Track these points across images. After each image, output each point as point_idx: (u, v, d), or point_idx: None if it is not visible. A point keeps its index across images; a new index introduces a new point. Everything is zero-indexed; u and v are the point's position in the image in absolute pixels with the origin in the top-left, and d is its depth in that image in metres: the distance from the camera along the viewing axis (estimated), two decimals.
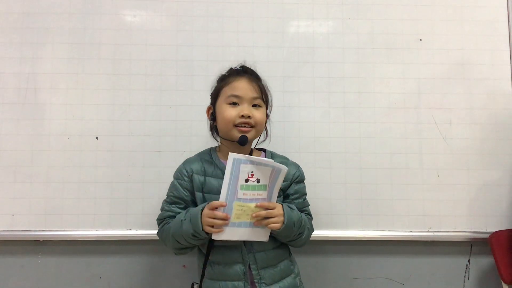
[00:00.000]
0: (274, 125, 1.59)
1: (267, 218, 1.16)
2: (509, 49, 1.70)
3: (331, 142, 1.65)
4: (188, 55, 1.65)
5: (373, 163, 1.64)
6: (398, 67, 1.68)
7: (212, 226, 1.14)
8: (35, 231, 1.57)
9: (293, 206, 1.26)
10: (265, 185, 1.16)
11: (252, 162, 1.16)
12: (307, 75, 1.67)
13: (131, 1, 1.66)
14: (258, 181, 1.16)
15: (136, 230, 1.58)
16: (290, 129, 1.64)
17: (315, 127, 1.65)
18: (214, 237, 1.16)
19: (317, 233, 1.57)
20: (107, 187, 1.59)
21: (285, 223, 1.16)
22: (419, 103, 1.67)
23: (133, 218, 1.59)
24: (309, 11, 1.69)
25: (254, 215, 1.15)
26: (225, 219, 1.13)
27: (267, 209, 1.15)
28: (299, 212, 1.26)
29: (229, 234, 1.16)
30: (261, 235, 1.19)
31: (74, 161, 1.59)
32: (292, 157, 1.38)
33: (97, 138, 1.61)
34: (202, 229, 1.14)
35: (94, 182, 1.59)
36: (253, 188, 1.16)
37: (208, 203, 1.17)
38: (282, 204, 1.20)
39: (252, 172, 1.16)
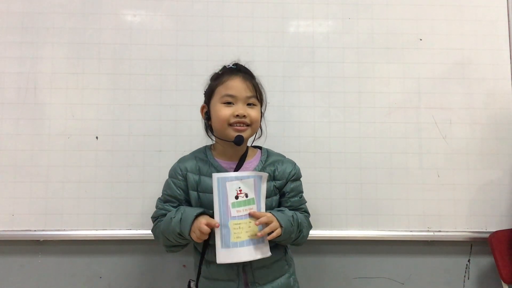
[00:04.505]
0: (274, 125, 1.60)
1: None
2: (509, 49, 1.70)
3: (331, 142, 1.65)
4: (188, 55, 1.65)
5: (373, 163, 1.64)
6: (398, 67, 1.68)
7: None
8: (35, 231, 1.57)
9: (282, 208, 1.25)
10: (253, 199, 1.17)
11: (236, 178, 1.16)
12: (307, 75, 1.67)
13: (131, 1, 1.66)
14: (246, 195, 1.16)
15: (136, 230, 1.58)
16: (290, 129, 1.64)
17: (315, 127, 1.65)
18: (219, 261, 1.13)
19: (317, 233, 1.58)
20: (107, 187, 1.59)
21: (283, 226, 1.16)
22: (419, 103, 1.67)
23: (133, 218, 1.59)
24: (309, 11, 1.69)
25: (259, 234, 1.13)
26: (206, 233, 1.13)
27: (259, 219, 1.14)
28: (291, 212, 1.25)
29: (233, 256, 1.13)
30: (264, 251, 1.16)
31: (74, 161, 1.59)
32: (292, 157, 1.38)
33: (97, 138, 1.61)
34: (189, 234, 1.15)
35: (94, 182, 1.59)
36: (244, 203, 1.16)
37: (204, 212, 1.18)
38: (270, 212, 1.19)
39: (239, 187, 1.16)
